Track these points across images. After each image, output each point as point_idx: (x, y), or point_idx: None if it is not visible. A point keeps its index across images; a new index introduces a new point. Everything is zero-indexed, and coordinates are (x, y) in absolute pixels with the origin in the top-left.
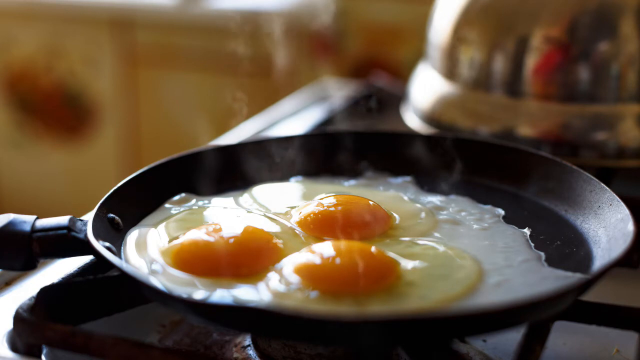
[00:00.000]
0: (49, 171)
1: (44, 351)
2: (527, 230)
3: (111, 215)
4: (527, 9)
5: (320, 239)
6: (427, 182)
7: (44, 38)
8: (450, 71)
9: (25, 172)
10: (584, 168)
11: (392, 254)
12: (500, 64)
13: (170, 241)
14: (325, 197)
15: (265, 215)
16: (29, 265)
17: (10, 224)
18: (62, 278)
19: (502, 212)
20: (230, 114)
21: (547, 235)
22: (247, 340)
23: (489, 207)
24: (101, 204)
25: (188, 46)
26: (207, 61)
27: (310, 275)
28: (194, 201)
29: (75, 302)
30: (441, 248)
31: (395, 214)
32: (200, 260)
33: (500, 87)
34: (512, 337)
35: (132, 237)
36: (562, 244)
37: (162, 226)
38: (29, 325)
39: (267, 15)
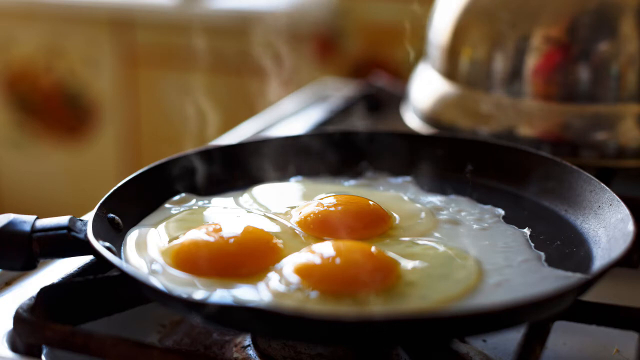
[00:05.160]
0: (49, 171)
1: (44, 351)
2: (527, 230)
3: (111, 215)
4: (527, 9)
5: (320, 239)
6: (427, 182)
7: (44, 38)
8: (450, 71)
9: (25, 172)
10: (584, 168)
11: (392, 254)
12: (500, 64)
13: (170, 241)
14: (325, 197)
15: (265, 215)
16: (29, 265)
17: (10, 224)
18: (62, 278)
19: (502, 212)
20: (230, 113)
21: (547, 235)
22: (247, 340)
23: (489, 207)
24: (101, 204)
25: (188, 46)
26: (207, 61)
27: (310, 275)
28: (194, 201)
29: (75, 302)
30: (441, 248)
31: (395, 214)
32: (200, 260)
33: (500, 87)
34: (512, 337)
35: (132, 237)
36: (562, 244)
37: (162, 226)
38: (29, 325)
39: (267, 15)
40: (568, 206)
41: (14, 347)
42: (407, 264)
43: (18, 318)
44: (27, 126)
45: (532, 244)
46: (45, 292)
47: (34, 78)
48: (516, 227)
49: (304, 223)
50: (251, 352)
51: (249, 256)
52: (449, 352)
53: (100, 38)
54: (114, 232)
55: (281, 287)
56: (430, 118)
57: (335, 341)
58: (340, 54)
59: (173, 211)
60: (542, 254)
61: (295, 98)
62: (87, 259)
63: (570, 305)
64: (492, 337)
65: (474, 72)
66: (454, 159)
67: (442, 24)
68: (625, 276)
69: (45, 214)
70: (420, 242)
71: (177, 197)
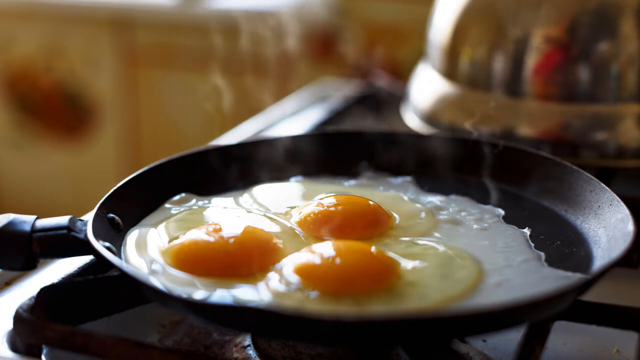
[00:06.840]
0: (49, 171)
1: (44, 351)
2: (527, 230)
3: (111, 215)
4: (527, 9)
5: (320, 239)
6: (427, 182)
7: (44, 38)
8: (450, 71)
9: (25, 172)
10: (584, 168)
11: (392, 254)
12: (500, 64)
13: (170, 241)
14: (325, 197)
15: (265, 215)
16: (29, 265)
17: (10, 224)
18: (62, 278)
19: (502, 212)
20: (230, 114)
21: (547, 235)
22: (247, 340)
23: (489, 207)
24: (101, 204)
25: (188, 46)
26: (207, 61)
27: (310, 275)
28: (194, 201)
29: (75, 302)
30: (441, 248)
31: (395, 214)
32: (200, 260)
33: (500, 87)
34: (512, 337)
35: (132, 237)
36: (562, 244)
37: (162, 226)
38: (29, 325)
39: (267, 15)
40: (568, 206)
41: (14, 347)
42: (407, 264)
43: (18, 318)
44: (27, 126)
45: (532, 244)
46: (45, 292)
47: (34, 78)
48: (516, 227)
49: (304, 223)
50: (251, 352)
51: (249, 256)
52: (449, 352)
53: (100, 38)
54: (114, 232)
55: (281, 287)
56: (430, 118)
57: (335, 341)
58: (340, 54)
59: (173, 211)
60: (542, 254)
61: (295, 98)
62: (87, 259)
63: (570, 305)
64: (492, 337)
65: (474, 72)
66: (454, 159)
67: (442, 24)
68: (625, 276)
69: (45, 214)
70: (420, 242)
71: (177, 197)
